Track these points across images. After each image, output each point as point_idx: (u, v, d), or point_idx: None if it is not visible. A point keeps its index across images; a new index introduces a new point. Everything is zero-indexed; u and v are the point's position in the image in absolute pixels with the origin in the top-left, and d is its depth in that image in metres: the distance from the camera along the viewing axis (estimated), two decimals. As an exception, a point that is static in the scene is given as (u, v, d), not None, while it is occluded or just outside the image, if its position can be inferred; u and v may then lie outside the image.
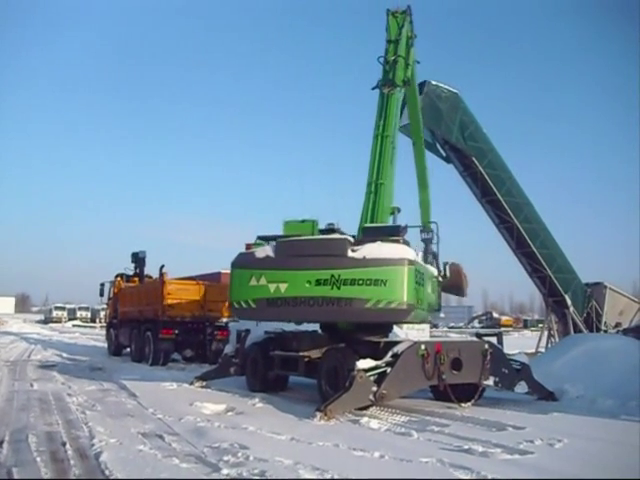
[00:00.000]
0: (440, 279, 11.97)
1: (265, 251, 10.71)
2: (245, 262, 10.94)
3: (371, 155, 12.35)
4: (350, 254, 9.79)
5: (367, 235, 10.84)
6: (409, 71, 13.92)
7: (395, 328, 12.27)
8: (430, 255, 14.97)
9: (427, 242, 15.90)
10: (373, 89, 13.28)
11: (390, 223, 11.79)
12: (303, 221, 10.80)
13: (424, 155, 16.15)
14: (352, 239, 10.27)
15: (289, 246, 10.52)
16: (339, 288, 9.68)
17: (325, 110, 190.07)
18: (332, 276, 9.74)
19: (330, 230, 11.13)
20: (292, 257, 10.32)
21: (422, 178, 16.26)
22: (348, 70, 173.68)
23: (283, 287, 10.19)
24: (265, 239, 11.31)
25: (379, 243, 10.06)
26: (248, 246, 11.18)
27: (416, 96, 15.55)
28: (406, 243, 10.43)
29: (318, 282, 9.85)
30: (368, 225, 11.34)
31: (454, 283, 13.18)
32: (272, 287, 10.29)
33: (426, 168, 16.23)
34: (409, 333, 13.64)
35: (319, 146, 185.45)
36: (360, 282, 9.56)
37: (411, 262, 9.62)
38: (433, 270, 11.61)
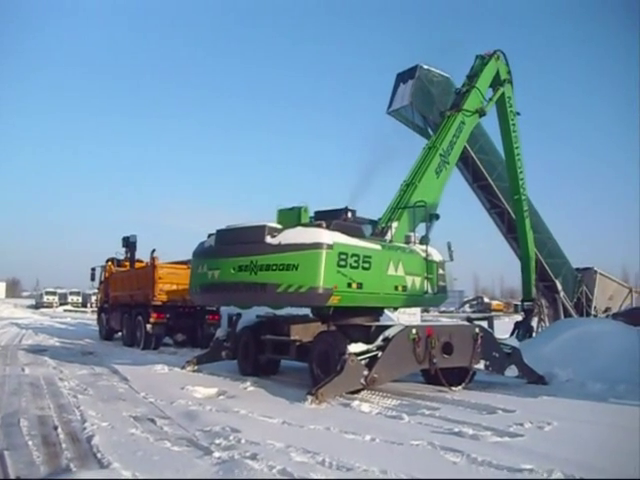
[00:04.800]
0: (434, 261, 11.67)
1: (210, 241, 11.15)
2: (198, 251, 11.52)
3: (416, 160, 13.08)
4: (268, 240, 9.91)
5: (317, 219, 10.98)
6: (488, 105, 14.96)
7: (386, 312, 12.32)
8: (524, 327, 17.50)
9: (528, 314, 17.90)
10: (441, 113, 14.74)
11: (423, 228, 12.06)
12: (292, 208, 10.83)
13: (522, 212, 16.57)
14: (277, 226, 10.22)
15: (223, 235, 10.91)
16: (256, 274, 9.90)
17: (323, 96, 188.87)
18: (251, 262, 9.98)
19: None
20: (225, 245, 10.72)
21: (522, 243, 16.99)
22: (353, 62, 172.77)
23: (216, 274, 10.65)
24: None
25: (299, 228, 10.12)
26: (209, 236, 11.37)
27: (512, 148, 16.22)
28: (342, 227, 10.21)
29: (240, 268, 10.14)
30: (319, 210, 11.47)
31: None
32: (210, 274, 10.81)
33: (527, 230, 16.70)
34: (400, 317, 13.71)
35: (316, 134, 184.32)
36: (274, 267, 9.69)
37: (330, 246, 9.51)
38: (418, 252, 11.42)
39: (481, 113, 14.58)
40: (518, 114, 16.14)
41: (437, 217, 11.96)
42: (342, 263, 9.65)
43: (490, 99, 15.14)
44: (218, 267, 10.62)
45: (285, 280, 9.52)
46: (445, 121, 13.94)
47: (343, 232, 10.00)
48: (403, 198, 12.23)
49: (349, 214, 11.25)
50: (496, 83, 15.40)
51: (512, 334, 16.56)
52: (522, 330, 17.08)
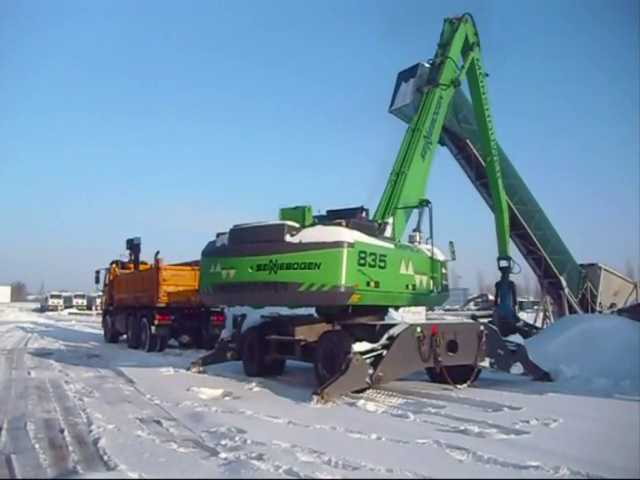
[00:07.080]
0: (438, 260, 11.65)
1: (222, 239, 11.01)
2: (209, 250, 11.37)
3: (400, 146, 12.74)
4: (288, 239, 9.85)
5: (329, 218, 10.91)
6: (461, 74, 14.72)
7: (391, 311, 12.31)
8: (505, 285, 16.98)
9: (504, 271, 17.19)
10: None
11: (415, 215, 11.99)
12: (296, 207, 10.82)
13: (495, 172, 16.60)
14: (295, 224, 10.14)
15: (238, 234, 10.78)
16: (276, 273, 9.81)
17: (323, 97, 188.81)
18: (270, 261, 9.90)
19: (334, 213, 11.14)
20: (240, 244, 10.58)
21: (495, 199, 16.98)
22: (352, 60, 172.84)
23: (232, 273, 10.52)
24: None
25: (319, 227, 10.10)
26: (218, 235, 11.28)
27: (483, 111, 16.15)
28: (359, 225, 10.22)
29: (259, 267, 10.05)
30: (331, 209, 11.42)
31: None
32: (224, 273, 10.67)
33: (500, 188, 16.75)
34: (405, 316, 13.70)
35: (318, 136, 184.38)
36: (295, 266, 9.62)
37: (351, 244, 9.48)
38: (424, 251, 11.42)
39: (456, 83, 14.41)
40: (487, 75, 16.02)
41: (428, 202, 11.75)
42: (362, 262, 9.63)
43: (462, 67, 14.93)
44: (233, 266, 10.49)
45: (307, 279, 9.46)
46: (424, 98, 13.67)
47: (360, 231, 10.01)
48: (395, 189, 12.00)
49: (363, 213, 11.26)
50: (466, 48, 15.21)
51: (496, 298, 16.84)
52: (502, 290, 17.12)
